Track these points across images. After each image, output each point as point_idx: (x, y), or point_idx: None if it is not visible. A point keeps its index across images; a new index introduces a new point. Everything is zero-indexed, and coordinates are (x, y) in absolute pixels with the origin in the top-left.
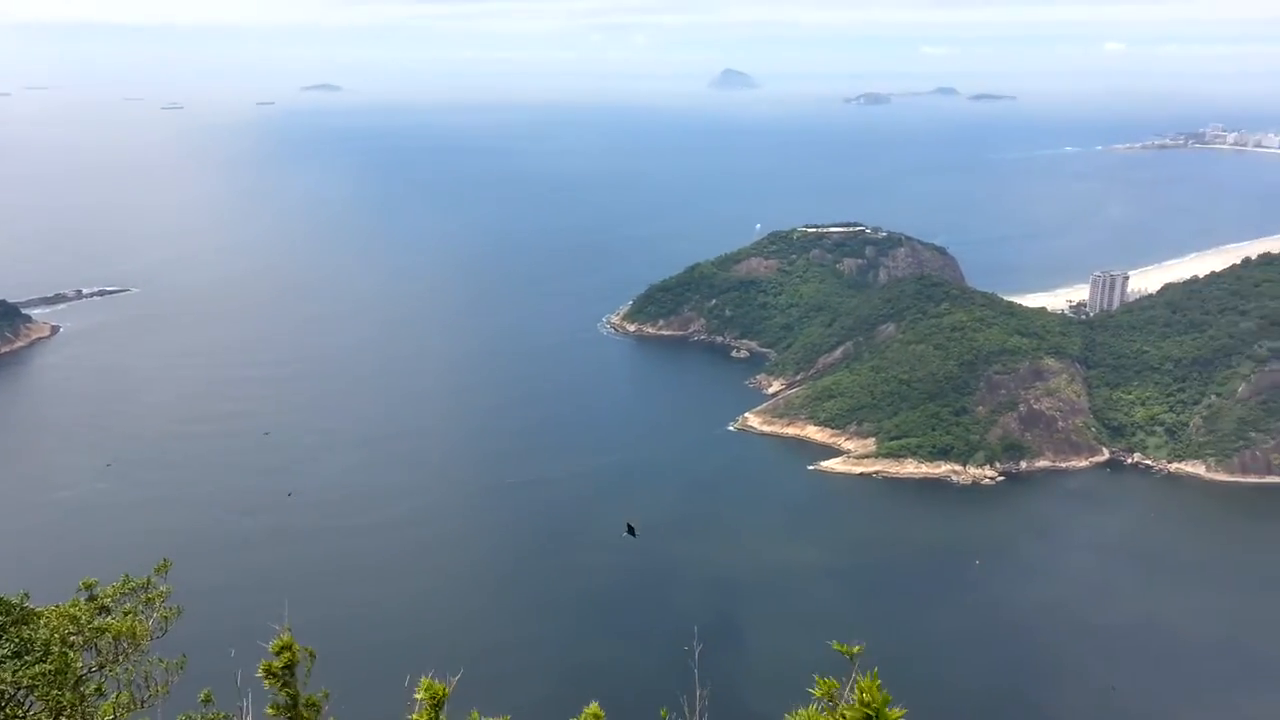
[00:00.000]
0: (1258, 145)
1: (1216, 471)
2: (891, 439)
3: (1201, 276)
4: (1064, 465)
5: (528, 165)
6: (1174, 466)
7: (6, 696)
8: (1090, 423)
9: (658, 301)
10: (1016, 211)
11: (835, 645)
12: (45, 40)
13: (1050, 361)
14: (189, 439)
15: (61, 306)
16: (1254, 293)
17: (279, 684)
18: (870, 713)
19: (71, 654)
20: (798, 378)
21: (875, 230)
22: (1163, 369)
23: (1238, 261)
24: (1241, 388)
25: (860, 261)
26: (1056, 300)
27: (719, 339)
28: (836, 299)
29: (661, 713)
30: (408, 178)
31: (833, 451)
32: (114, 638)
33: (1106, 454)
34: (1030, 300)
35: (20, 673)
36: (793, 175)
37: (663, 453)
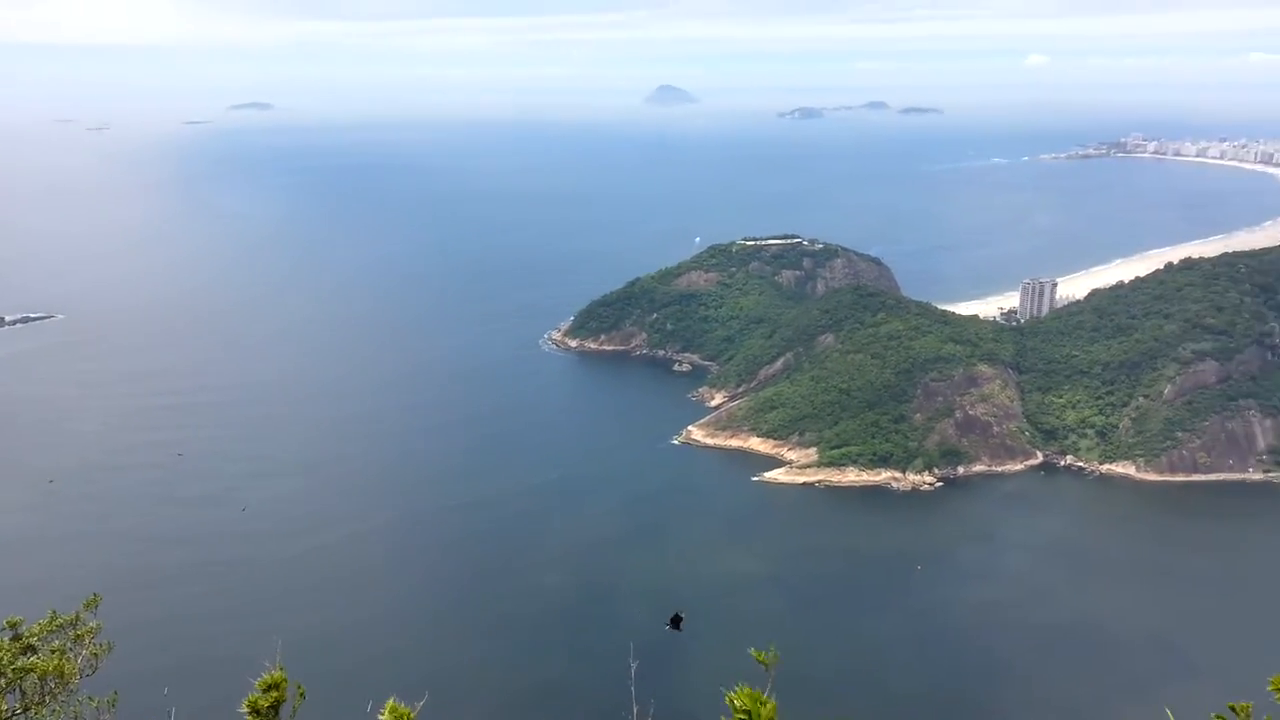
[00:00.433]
0: (1175, 154)
1: (1146, 471)
2: (832, 448)
3: (1127, 282)
4: (1000, 469)
5: (465, 183)
6: (1105, 467)
7: None
8: (1024, 427)
9: (599, 317)
10: (947, 221)
11: (753, 653)
12: None
13: (984, 368)
14: (117, 470)
15: None
16: (1177, 297)
17: None
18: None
19: None
20: (740, 390)
21: (812, 242)
22: (1092, 373)
23: (1160, 267)
24: (1167, 389)
25: (798, 273)
26: (988, 308)
27: (661, 353)
28: (776, 310)
29: None
30: (342, 197)
31: (776, 462)
32: (40, 678)
33: (1040, 457)
34: (963, 308)
35: None
36: (731, 189)
37: (606, 468)
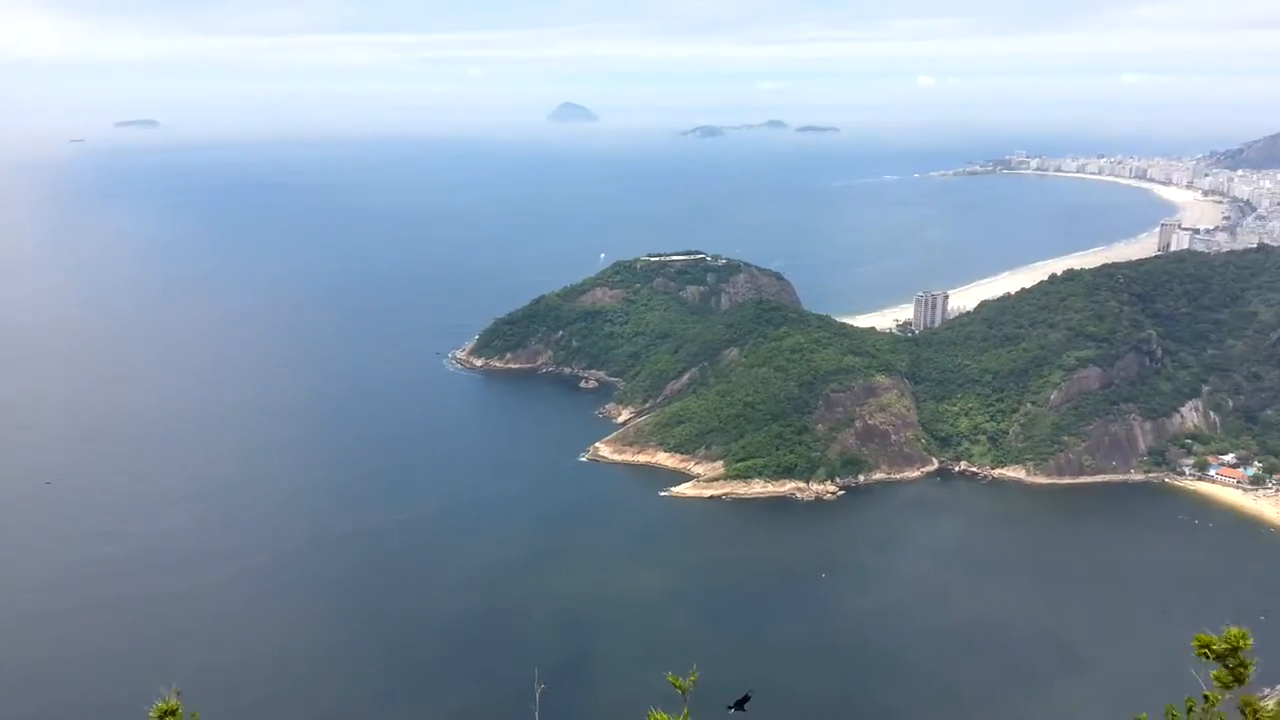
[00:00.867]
0: (1056, 170)
1: (1035, 475)
2: (738, 460)
3: (1013, 293)
4: (898, 476)
5: (363, 201)
6: (997, 472)
7: None
8: (920, 435)
9: (504, 335)
10: (845, 236)
11: (669, 678)
12: None
13: (881, 378)
14: None
15: None
16: (1060, 306)
17: None
18: None
19: None
20: (646, 405)
21: (715, 258)
22: (983, 381)
23: (1045, 278)
24: (1053, 395)
25: (702, 288)
26: (884, 320)
27: (567, 370)
28: (681, 325)
29: None
30: (233, 216)
31: (683, 476)
32: None
33: (936, 463)
34: (861, 320)
35: None
36: (634, 206)
37: (513, 488)
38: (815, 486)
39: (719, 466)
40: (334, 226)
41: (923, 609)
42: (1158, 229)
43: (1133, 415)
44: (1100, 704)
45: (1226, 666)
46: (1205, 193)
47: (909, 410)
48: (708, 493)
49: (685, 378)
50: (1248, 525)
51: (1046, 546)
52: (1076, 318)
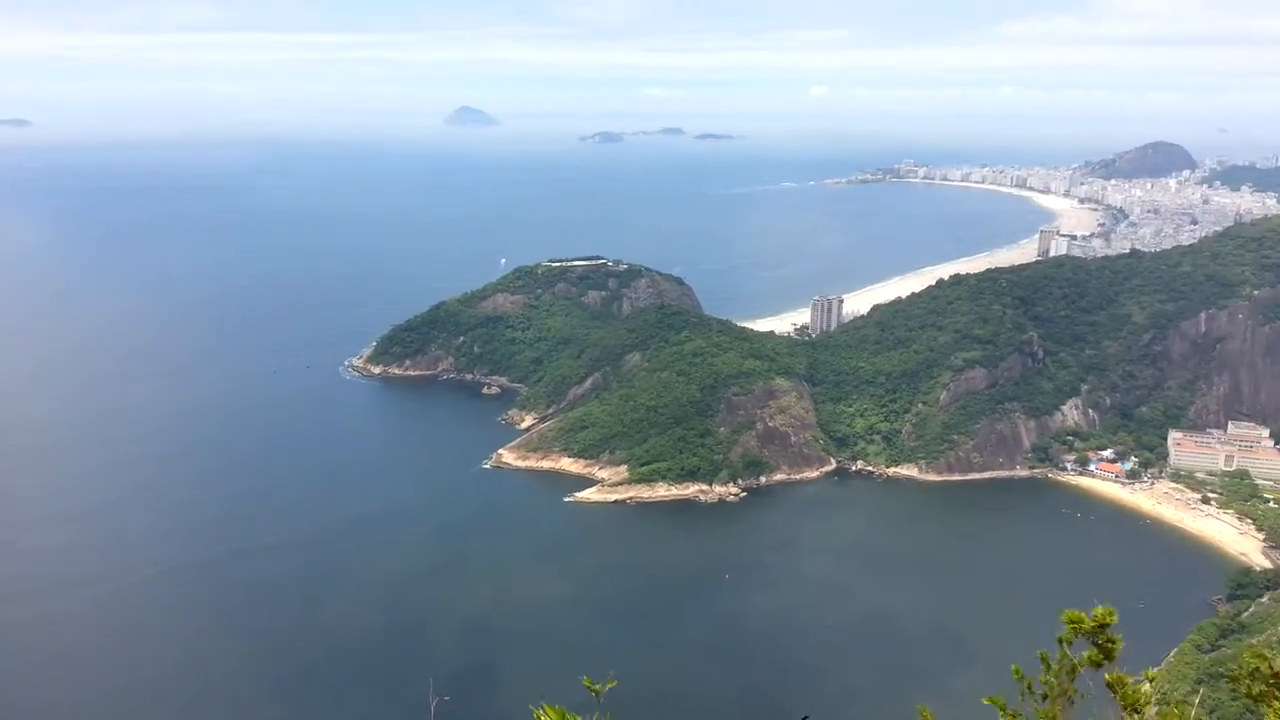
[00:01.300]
0: (943, 179)
1: (927, 472)
2: (642, 465)
3: (905, 297)
4: (798, 477)
5: (252, 204)
6: (892, 470)
7: None
8: (819, 435)
9: (403, 341)
10: (743, 242)
11: (585, 682)
12: None
13: (780, 381)
14: None
15: None
16: (948, 309)
17: None
18: None
19: None
20: (550, 411)
21: (617, 263)
22: (877, 382)
23: (934, 282)
24: (943, 395)
25: (604, 294)
26: (782, 324)
27: (469, 376)
28: (583, 331)
29: None
30: (113, 220)
31: (588, 481)
32: None
33: (834, 463)
34: (760, 324)
35: None
36: (535, 211)
37: (414, 498)
38: (718, 489)
39: (623, 471)
40: (219, 231)
41: (823, 606)
42: (1038, 235)
43: (1017, 414)
44: (987, 691)
45: (1095, 644)
46: (1081, 200)
47: (808, 412)
48: (612, 497)
49: (588, 383)
50: (1126, 517)
51: (939, 541)
52: (963, 320)
